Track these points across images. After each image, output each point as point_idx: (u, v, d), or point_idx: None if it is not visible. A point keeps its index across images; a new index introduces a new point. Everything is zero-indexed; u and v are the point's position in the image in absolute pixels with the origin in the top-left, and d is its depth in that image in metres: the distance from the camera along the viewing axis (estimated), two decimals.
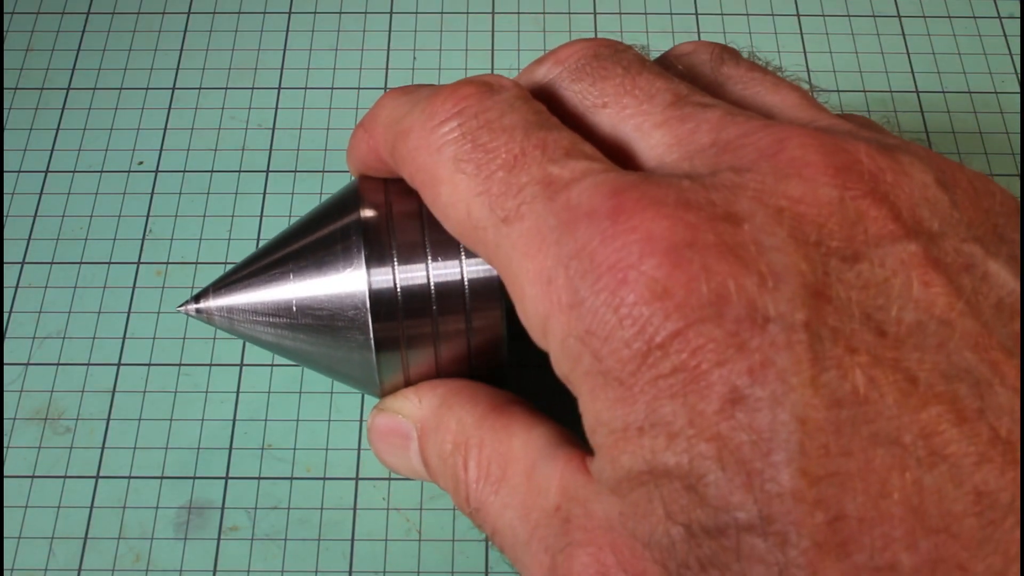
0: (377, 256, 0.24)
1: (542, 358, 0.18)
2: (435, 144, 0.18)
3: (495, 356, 0.25)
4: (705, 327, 0.14)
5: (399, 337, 0.24)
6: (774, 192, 0.15)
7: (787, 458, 0.13)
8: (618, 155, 0.18)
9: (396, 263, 0.24)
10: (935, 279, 0.15)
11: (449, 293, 0.24)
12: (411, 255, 0.24)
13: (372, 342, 0.24)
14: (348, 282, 0.24)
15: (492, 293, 0.24)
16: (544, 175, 0.17)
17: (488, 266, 0.24)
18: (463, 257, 0.24)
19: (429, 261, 0.24)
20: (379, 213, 0.24)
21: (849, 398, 0.13)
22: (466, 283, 0.24)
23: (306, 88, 0.37)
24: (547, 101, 0.19)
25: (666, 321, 0.14)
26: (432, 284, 0.24)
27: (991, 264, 0.15)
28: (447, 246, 0.24)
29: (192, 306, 0.26)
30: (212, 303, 0.26)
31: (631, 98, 0.19)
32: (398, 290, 0.23)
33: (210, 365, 0.31)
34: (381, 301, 0.23)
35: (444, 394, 0.23)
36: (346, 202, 0.25)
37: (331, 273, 0.24)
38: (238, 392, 0.31)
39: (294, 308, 0.25)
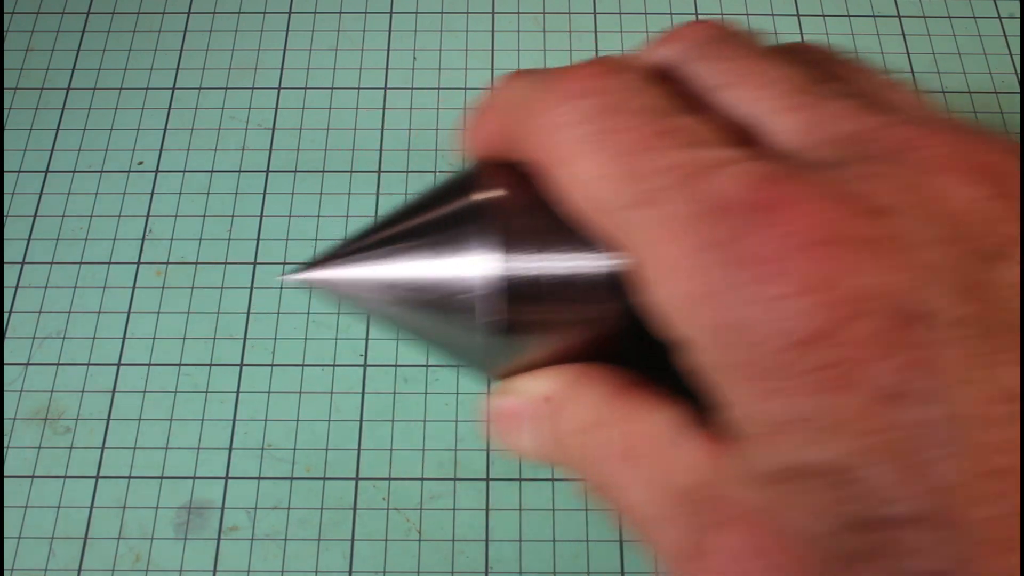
0: (506, 240, 0.24)
1: (653, 351, 0.18)
2: (563, 123, 0.18)
3: (612, 346, 0.25)
4: (863, 321, 0.14)
5: (516, 322, 0.24)
6: (919, 186, 0.15)
7: (955, 452, 0.13)
8: (743, 138, 0.18)
9: (524, 248, 0.24)
10: None
11: (569, 281, 0.24)
12: (538, 241, 0.24)
13: (488, 325, 0.24)
14: (467, 265, 0.24)
15: (613, 283, 0.24)
16: (681, 161, 0.16)
17: (610, 255, 0.24)
18: (585, 245, 0.24)
19: (551, 248, 0.24)
20: (500, 197, 0.25)
21: (1013, 393, 0.14)
22: (587, 272, 0.24)
23: (306, 88, 0.37)
24: (668, 81, 0.19)
25: (823, 314, 0.14)
26: (559, 271, 0.24)
27: None
28: (569, 233, 0.24)
29: (296, 277, 0.27)
30: (317, 276, 0.27)
31: (759, 80, 0.19)
32: (519, 275, 0.24)
33: (210, 365, 0.31)
34: (508, 285, 0.24)
35: (572, 376, 0.23)
36: (466, 183, 0.26)
37: (450, 254, 0.25)
38: (238, 392, 0.31)
39: (403, 287, 0.25)
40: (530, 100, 0.20)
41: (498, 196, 0.25)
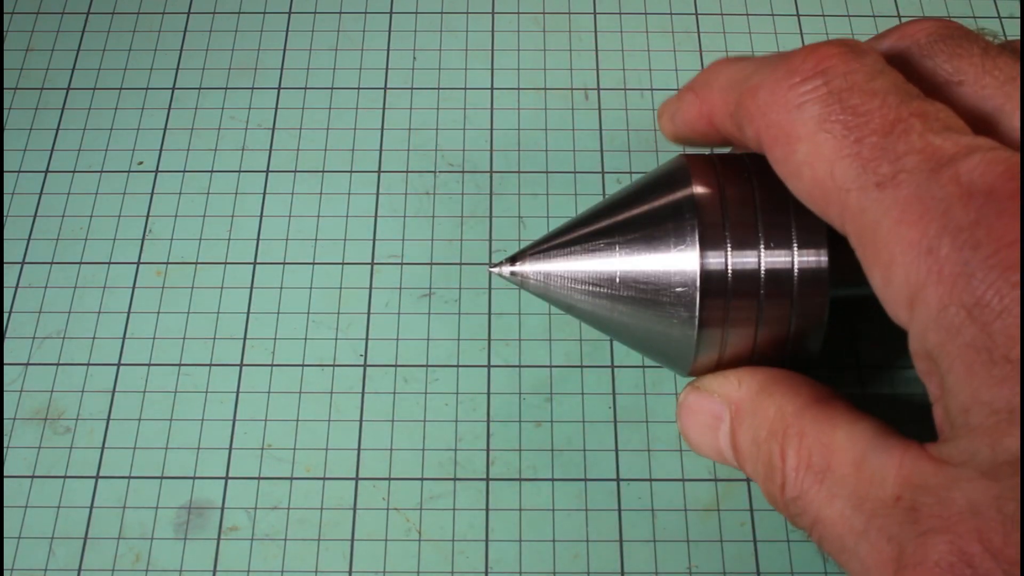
0: (710, 236, 0.24)
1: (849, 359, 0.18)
2: (794, 101, 0.18)
3: (812, 346, 0.25)
4: None
5: (723, 318, 0.24)
6: None
7: None
8: (985, 129, 0.18)
9: (729, 245, 0.24)
10: None
11: (778, 279, 0.24)
12: (744, 238, 0.25)
13: (696, 320, 0.24)
14: (679, 260, 0.25)
15: (820, 283, 0.24)
16: (926, 145, 0.16)
17: (818, 255, 0.24)
18: (795, 244, 0.24)
19: (761, 245, 0.24)
20: (711, 192, 0.25)
21: None
22: (796, 271, 0.24)
23: (306, 88, 0.37)
24: (905, 69, 0.19)
25: None
26: (763, 269, 0.24)
27: None
28: (779, 231, 0.25)
29: (507, 268, 0.28)
30: (528, 267, 0.27)
31: (991, 78, 0.19)
32: (729, 272, 0.24)
33: (210, 365, 0.31)
34: (711, 281, 0.24)
35: (764, 380, 0.23)
36: (676, 178, 0.26)
37: (661, 249, 0.25)
38: (238, 392, 0.31)
39: (618, 279, 0.26)
40: (757, 80, 0.19)
41: (709, 192, 0.25)
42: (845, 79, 0.18)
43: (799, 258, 0.25)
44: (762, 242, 0.25)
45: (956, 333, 0.15)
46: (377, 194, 0.35)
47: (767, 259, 0.25)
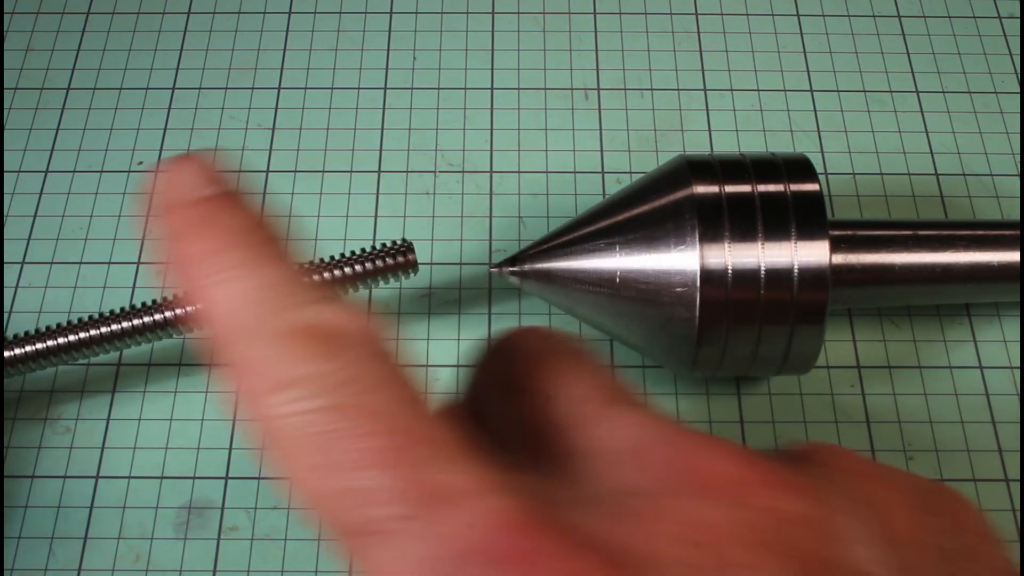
0: (711, 236, 0.24)
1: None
2: (276, 411, 0.15)
3: (812, 345, 0.25)
4: None
5: (723, 317, 0.24)
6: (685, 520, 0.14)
7: None
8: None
9: (729, 245, 0.24)
10: None
11: (778, 278, 0.24)
12: (744, 238, 0.24)
13: (697, 320, 0.24)
14: (679, 259, 0.25)
15: (820, 281, 0.24)
16: (412, 483, 0.13)
17: (818, 254, 0.24)
18: (795, 244, 0.25)
19: (761, 245, 0.24)
20: (712, 192, 0.25)
21: None
22: (796, 270, 0.24)
23: (306, 88, 0.37)
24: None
25: None
26: (763, 268, 0.24)
27: None
28: (779, 230, 0.25)
29: (507, 268, 0.28)
30: (529, 267, 0.27)
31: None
32: (729, 272, 0.24)
33: (210, 365, 0.31)
34: (711, 280, 0.24)
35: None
36: (676, 178, 0.26)
37: (661, 249, 0.25)
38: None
39: (618, 279, 0.26)
40: (239, 348, 0.16)
41: (709, 192, 0.25)
42: (326, 396, 0.14)
43: (799, 258, 0.25)
44: (762, 242, 0.25)
45: None
46: (377, 194, 0.35)
47: (767, 259, 0.25)
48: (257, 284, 0.15)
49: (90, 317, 0.28)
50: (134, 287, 0.33)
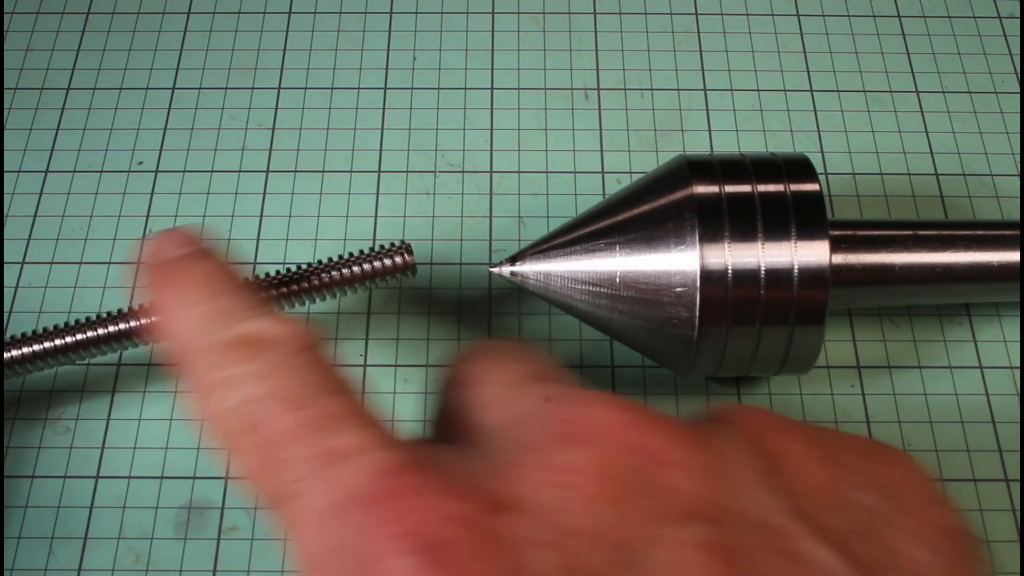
0: (711, 236, 0.24)
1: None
2: (211, 412, 0.17)
3: (813, 345, 0.25)
4: None
5: (724, 317, 0.24)
6: (553, 466, 0.15)
7: None
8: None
9: (729, 245, 0.24)
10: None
11: (778, 278, 0.24)
12: (744, 237, 0.24)
13: (697, 320, 0.24)
14: (679, 260, 0.25)
15: (820, 281, 0.24)
16: (317, 450, 0.16)
17: (819, 254, 0.24)
18: (795, 244, 0.24)
19: (761, 245, 0.24)
20: (712, 192, 0.25)
21: None
22: (796, 270, 0.24)
23: (306, 88, 0.37)
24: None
25: None
26: (763, 268, 0.24)
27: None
28: (779, 230, 0.25)
29: (507, 268, 0.28)
30: (528, 267, 0.27)
31: None
32: (729, 272, 0.24)
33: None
34: (711, 280, 0.24)
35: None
36: (676, 178, 0.26)
37: (661, 249, 0.25)
38: None
39: (618, 279, 0.26)
40: (186, 369, 0.18)
41: (709, 192, 0.25)
42: (244, 388, 0.17)
43: (799, 257, 0.25)
44: (762, 242, 0.25)
45: None
46: (377, 194, 0.35)
47: (767, 259, 0.25)
48: (203, 312, 0.19)
49: (87, 319, 0.28)
50: (134, 287, 0.33)
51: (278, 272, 0.28)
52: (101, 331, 0.27)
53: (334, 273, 0.28)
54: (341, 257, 0.28)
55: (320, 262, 0.28)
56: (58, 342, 0.27)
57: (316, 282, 0.28)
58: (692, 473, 0.15)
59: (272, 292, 0.27)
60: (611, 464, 0.15)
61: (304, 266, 0.28)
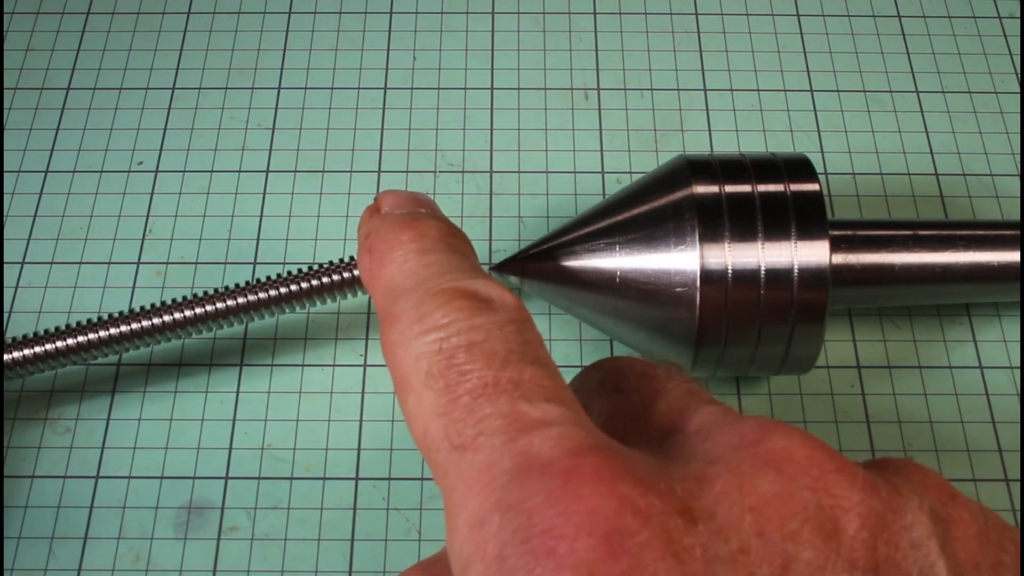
0: (711, 236, 0.24)
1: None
2: (415, 351, 0.17)
3: (812, 344, 0.25)
4: None
5: (723, 317, 0.24)
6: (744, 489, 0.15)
7: None
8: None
9: (729, 245, 0.24)
10: None
11: (778, 278, 0.24)
12: (744, 237, 0.25)
13: (697, 319, 0.24)
14: (679, 259, 0.25)
15: (820, 281, 0.25)
16: (512, 410, 0.16)
17: (819, 254, 0.24)
18: (795, 243, 0.25)
19: (761, 245, 0.24)
20: (712, 192, 0.25)
21: None
22: (796, 269, 0.24)
23: (306, 88, 0.37)
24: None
25: None
26: (763, 268, 0.24)
27: None
28: (779, 230, 0.25)
29: (507, 268, 0.28)
30: (529, 267, 0.27)
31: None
32: (729, 271, 0.24)
33: (210, 365, 0.31)
34: (711, 280, 0.24)
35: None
36: (676, 178, 0.26)
37: (661, 249, 0.25)
38: (238, 392, 0.31)
39: (618, 279, 0.26)
40: (397, 304, 0.19)
41: (709, 192, 0.25)
42: (461, 336, 0.17)
43: (799, 257, 0.25)
44: (762, 242, 0.25)
45: None
46: (377, 194, 0.35)
47: (767, 258, 0.25)
48: (436, 259, 0.20)
49: (88, 321, 0.28)
50: (134, 287, 0.33)
51: (268, 278, 0.28)
52: (126, 328, 0.27)
53: (334, 277, 0.27)
54: (342, 261, 0.28)
55: (320, 266, 0.28)
56: (83, 339, 0.28)
57: (315, 284, 0.27)
58: (868, 522, 0.15)
59: (266, 295, 0.27)
60: (799, 499, 0.15)
61: (326, 265, 0.28)
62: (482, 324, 0.17)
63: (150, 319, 0.28)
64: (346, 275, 0.27)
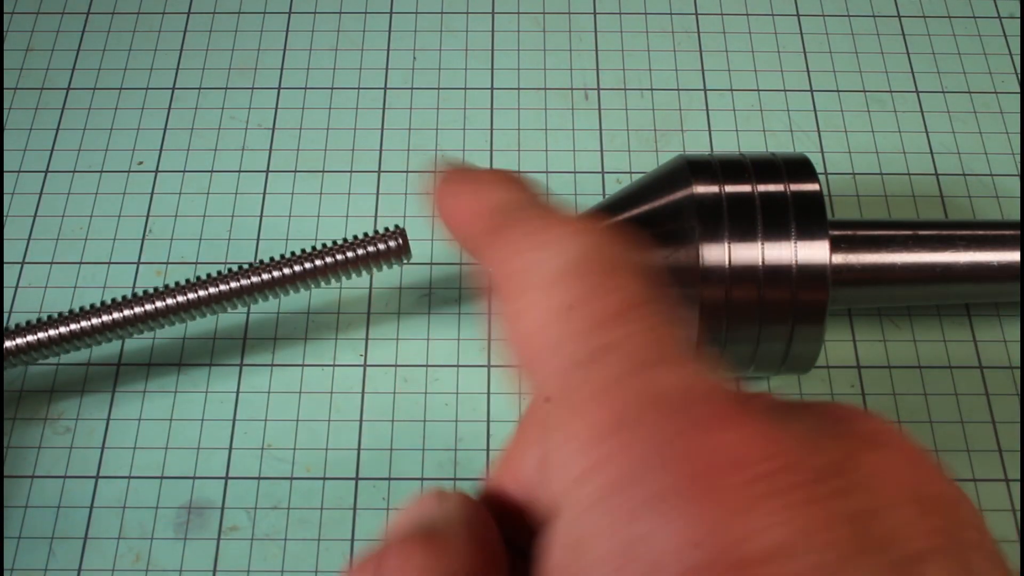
0: (711, 235, 0.24)
1: None
2: (530, 260, 0.17)
3: (813, 343, 0.25)
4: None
5: (724, 316, 0.25)
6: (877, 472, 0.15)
7: None
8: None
9: (729, 244, 0.24)
10: None
11: (778, 276, 0.25)
12: (744, 237, 0.25)
13: (697, 319, 0.24)
14: (679, 258, 0.25)
15: (820, 279, 0.25)
16: (652, 339, 0.16)
17: (818, 252, 0.24)
18: (795, 243, 0.25)
19: (761, 244, 0.24)
20: (712, 192, 0.25)
21: None
22: (796, 268, 0.24)
23: (306, 88, 0.37)
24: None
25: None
26: (763, 267, 0.24)
27: None
28: (779, 229, 0.25)
29: None
30: None
31: None
32: (729, 271, 0.24)
33: (210, 365, 0.31)
34: (712, 279, 0.24)
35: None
36: (676, 178, 0.26)
37: (662, 248, 0.25)
38: (238, 392, 0.31)
39: None
40: (515, 226, 0.18)
41: (709, 191, 0.25)
42: (596, 259, 0.17)
43: (799, 257, 0.25)
44: (762, 242, 0.25)
45: (571, 554, 0.14)
46: (377, 194, 0.35)
47: (767, 258, 0.25)
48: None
49: (91, 306, 0.28)
50: (134, 287, 0.33)
51: (272, 258, 0.28)
52: (129, 312, 0.28)
53: (327, 259, 0.28)
54: (335, 243, 0.28)
55: (313, 248, 0.28)
56: (86, 323, 0.28)
57: (309, 267, 0.28)
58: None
59: (269, 276, 0.28)
60: (906, 473, 0.15)
61: (299, 252, 0.28)
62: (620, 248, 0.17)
63: (153, 302, 0.28)
64: (371, 248, 0.28)
